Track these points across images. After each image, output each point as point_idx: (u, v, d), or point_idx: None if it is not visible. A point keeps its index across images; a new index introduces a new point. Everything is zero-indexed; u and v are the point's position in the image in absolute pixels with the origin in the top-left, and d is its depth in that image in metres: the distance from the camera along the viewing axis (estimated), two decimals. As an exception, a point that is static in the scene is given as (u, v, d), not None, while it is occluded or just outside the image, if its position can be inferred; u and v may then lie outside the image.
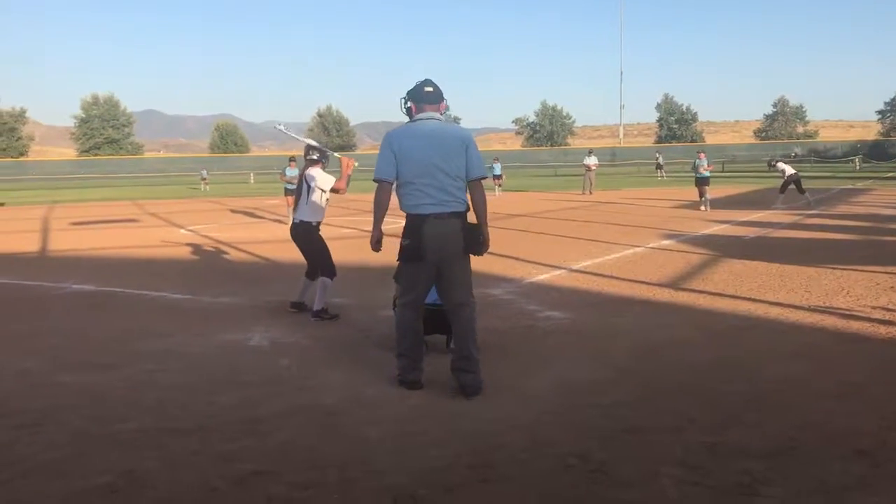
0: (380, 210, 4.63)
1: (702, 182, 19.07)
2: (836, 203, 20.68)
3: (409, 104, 4.68)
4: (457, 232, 4.51)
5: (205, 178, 43.95)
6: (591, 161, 28.47)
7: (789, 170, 19.26)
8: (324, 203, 7.05)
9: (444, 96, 4.71)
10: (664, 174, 44.39)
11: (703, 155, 19.53)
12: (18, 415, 4.27)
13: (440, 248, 4.48)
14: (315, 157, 7.08)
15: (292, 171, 17.08)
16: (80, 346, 5.94)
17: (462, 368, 4.54)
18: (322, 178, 6.94)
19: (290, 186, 17.14)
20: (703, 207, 18.41)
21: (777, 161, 20.95)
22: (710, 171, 19.63)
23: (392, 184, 4.57)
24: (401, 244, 4.58)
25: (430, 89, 4.64)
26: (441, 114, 4.68)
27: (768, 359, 5.19)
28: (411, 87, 4.70)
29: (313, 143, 7.35)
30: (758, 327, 6.14)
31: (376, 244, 4.70)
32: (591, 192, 27.09)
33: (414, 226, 4.51)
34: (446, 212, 4.47)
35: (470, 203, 4.62)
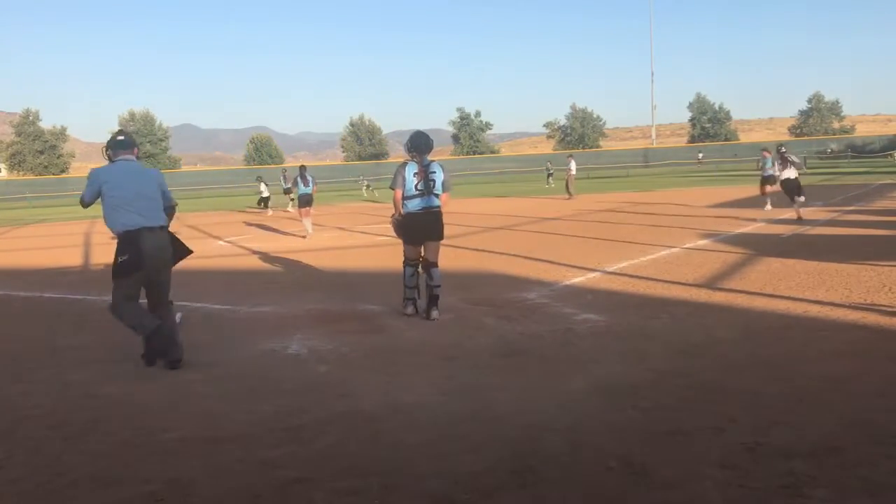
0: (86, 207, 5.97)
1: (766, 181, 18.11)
2: (875, 198, 20.29)
3: (108, 151, 5.78)
4: (166, 242, 5.76)
5: (368, 185, 44.30)
6: (572, 167, 28.88)
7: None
8: None
9: (136, 143, 5.98)
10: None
11: (767, 154, 18.47)
12: (65, 426, 4.37)
13: (155, 255, 5.62)
14: None
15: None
16: (123, 357, 6.04)
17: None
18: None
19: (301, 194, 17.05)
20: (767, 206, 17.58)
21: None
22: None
23: (89, 204, 5.80)
24: (117, 257, 5.61)
25: (122, 138, 5.85)
26: (135, 157, 5.87)
27: (809, 358, 5.11)
28: (109, 138, 5.89)
29: None
30: (798, 326, 6.06)
31: None
32: (570, 196, 27.49)
33: (130, 239, 5.52)
34: (156, 226, 5.65)
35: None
